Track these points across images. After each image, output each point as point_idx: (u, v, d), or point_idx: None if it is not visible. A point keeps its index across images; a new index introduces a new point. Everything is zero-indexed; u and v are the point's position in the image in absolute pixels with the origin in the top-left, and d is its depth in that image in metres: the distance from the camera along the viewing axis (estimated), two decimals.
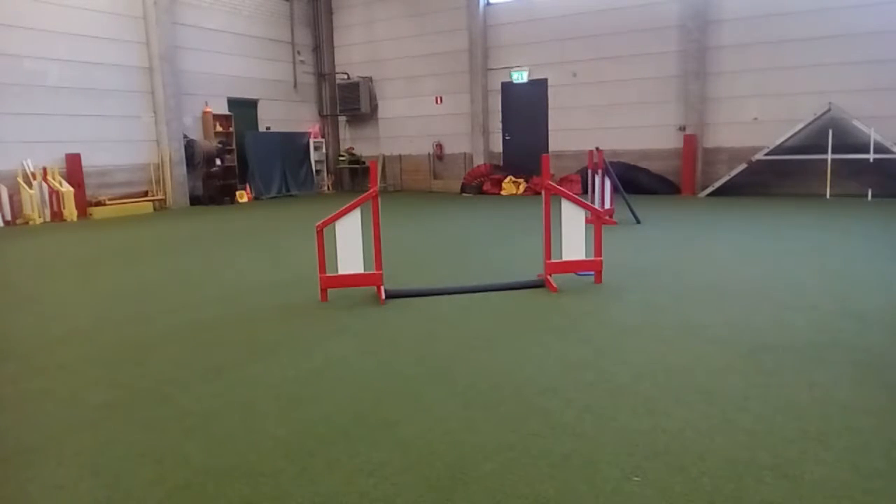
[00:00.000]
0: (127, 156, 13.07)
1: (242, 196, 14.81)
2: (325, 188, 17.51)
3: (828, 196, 11.61)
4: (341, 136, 18.25)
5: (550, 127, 15.08)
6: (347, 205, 4.88)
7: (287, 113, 16.87)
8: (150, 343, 4.10)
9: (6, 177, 11.24)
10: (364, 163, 17.48)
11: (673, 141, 13.56)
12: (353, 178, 18.03)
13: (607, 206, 8.89)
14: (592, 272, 5.42)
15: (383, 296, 4.94)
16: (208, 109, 14.58)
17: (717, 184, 12.61)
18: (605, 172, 8.80)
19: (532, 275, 5.61)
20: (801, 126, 11.61)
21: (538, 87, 15.07)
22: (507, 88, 15.52)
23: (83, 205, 12.01)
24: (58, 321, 4.73)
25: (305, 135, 16.80)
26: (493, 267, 6.21)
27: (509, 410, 2.88)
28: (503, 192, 14.63)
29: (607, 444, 2.53)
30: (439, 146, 16.55)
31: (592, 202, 8.75)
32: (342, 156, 17.94)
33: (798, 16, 12.15)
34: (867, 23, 11.53)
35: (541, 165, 5.41)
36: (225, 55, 15.03)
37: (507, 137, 15.70)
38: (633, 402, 2.93)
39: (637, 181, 13.03)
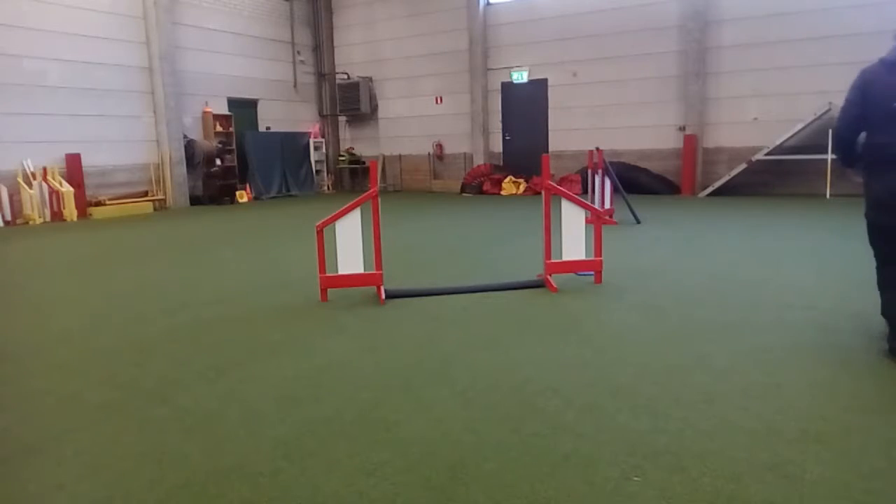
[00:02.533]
0: (127, 156, 13.07)
1: (242, 196, 14.81)
2: (325, 188, 17.51)
3: (828, 196, 11.61)
4: (341, 136, 18.25)
5: (550, 127, 15.07)
6: (347, 205, 4.88)
7: (287, 113, 16.87)
8: (150, 343, 4.10)
9: (6, 177, 11.24)
10: (364, 163, 17.48)
11: (673, 141, 13.56)
12: (353, 178, 18.03)
13: (607, 206, 8.89)
14: (592, 272, 5.42)
15: (383, 296, 4.94)
16: (208, 109, 14.58)
17: (717, 184, 12.61)
18: (605, 172, 8.80)
19: (532, 275, 5.61)
20: (801, 126, 11.60)
21: (538, 87, 15.07)
22: (507, 88, 15.52)
23: (83, 205, 12.01)
24: (58, 321, 4.73)
25: (305, 135, 16.80)
26: (493, 267, 6.21)
27: (509, 410, 2.88)
28: (503, 192, 14.63)
29: (607, 444, 2.53)
30: (439, 146, 16.55)
31: (592, 202, 8.74)
32: (342, 156, 17.94)
33: (798, 16, 12.15)
34: (867, 23, 11.52)
35: (541, 165, 5.41)
36: (225, 55, 15.03)
37: (507, 137, 15.69)
38: (633, 402, 2.93)
39: (637, 181, 13.03)
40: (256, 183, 15.32)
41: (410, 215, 11.12)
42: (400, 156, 17.13)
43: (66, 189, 11.74)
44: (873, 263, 3.68)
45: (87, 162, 12.21)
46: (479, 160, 15.73)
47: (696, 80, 13.05)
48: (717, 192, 12.59)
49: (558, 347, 3.77)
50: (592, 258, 5.36)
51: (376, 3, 16.98)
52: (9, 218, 11.21)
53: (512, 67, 15.35)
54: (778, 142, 11.83)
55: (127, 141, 13.05)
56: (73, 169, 11.95)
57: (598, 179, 8.88)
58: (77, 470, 2.46)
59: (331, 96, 17.81)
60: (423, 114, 16.67)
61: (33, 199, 11.41)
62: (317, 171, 17.00)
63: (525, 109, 15.31)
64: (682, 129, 13.39)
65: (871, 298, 4.63)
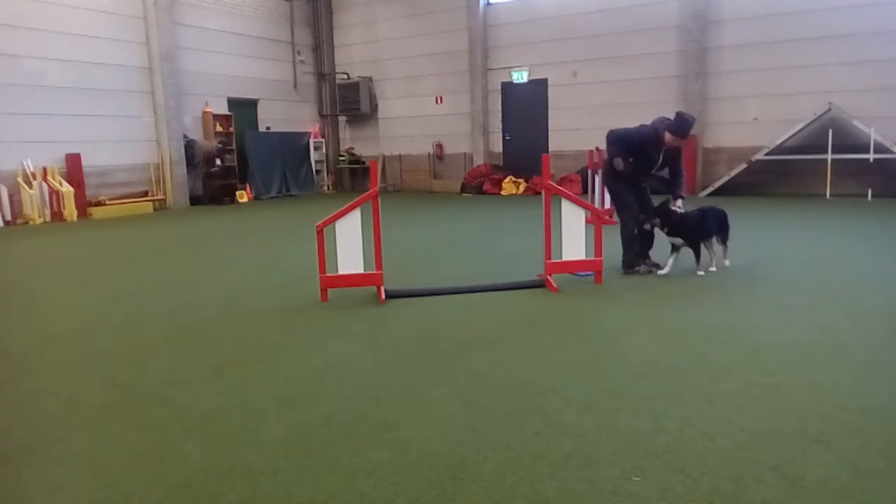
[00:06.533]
0: (127, 156, 13.07)
1: (242, 196, 14.81)
2: (325, 188, 17.51)
3: (828, 196, 11.60)
4: (341, 136, 18.24)
5: (550, 127, 15.07)
6: (347, 205, 4.88)
7: (287, 113, 16.86)
8: (150, 343, 4.10)
9: (6, 177, 11.24)
10: (364, 163, 17.48)
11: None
12: (353, 178, 18.02)
13: (607, 206, 8.88)
14: (592, 272, 5.42)
15: (383, 296, 4.93)
16: (208, 109, 14.57)
17: (717, 184, 12.61)
18: None
19: (532, 275, 5.61)
20: (801, 126, 11.61)
21: (538, 87, 15.06)
22: (507, 88, 15.52)
23: (83, 205, 12.00)
24: (58, 321, 4.73)
25: (305, 135, 16.80)
26: (493, 267, 6.20)
27: (509, 410, 2.88)
28: (503, 192, 14.63)
29: (607, 444, 2.53)
30: (439, 146, 16.55)
31: (592, 202, 8.74)
32: (342, 156, 17.94)
33: (798, 16, 12.15)
34: (867, 23, 11.53)
35: (541, 165, 5.41)
36: (225, 55, 15.02)
37: (507, 137, 15.69)
38: (633, 402, 2.92)
39: None
40: (256, 183, 15.32)
41: (410, 215, 11.12)
42: (400, 156, 17.12)
43: (66, 189, 11.73)
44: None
45: (87, 162, 12.20)
46: (479, 160, 15.73)
47: (696, 80, 13.05)
48: (718, 192, 12.58)
49: (558, 347, 3.77)
50: (592, 258, 5.36)
51: (376, 3, 16.98)
52: (9, 218, 11.20)
53: (512, 67, 15.34)
54: (778, 142, 11.83)
55: (127, 141, 13.04)
56: (73, 169, 11.95)
57: (598, 179, 8.88)
58: (77, 470, 2.46)
59: (331, 96, 17.80)
60: (423, 114, 16.66)
61: (33, 199, 11.41)
62: (317, 171, 17.00)
63: (525, 109, 15.30)
64: None
65: (871, 298, 4.64)
